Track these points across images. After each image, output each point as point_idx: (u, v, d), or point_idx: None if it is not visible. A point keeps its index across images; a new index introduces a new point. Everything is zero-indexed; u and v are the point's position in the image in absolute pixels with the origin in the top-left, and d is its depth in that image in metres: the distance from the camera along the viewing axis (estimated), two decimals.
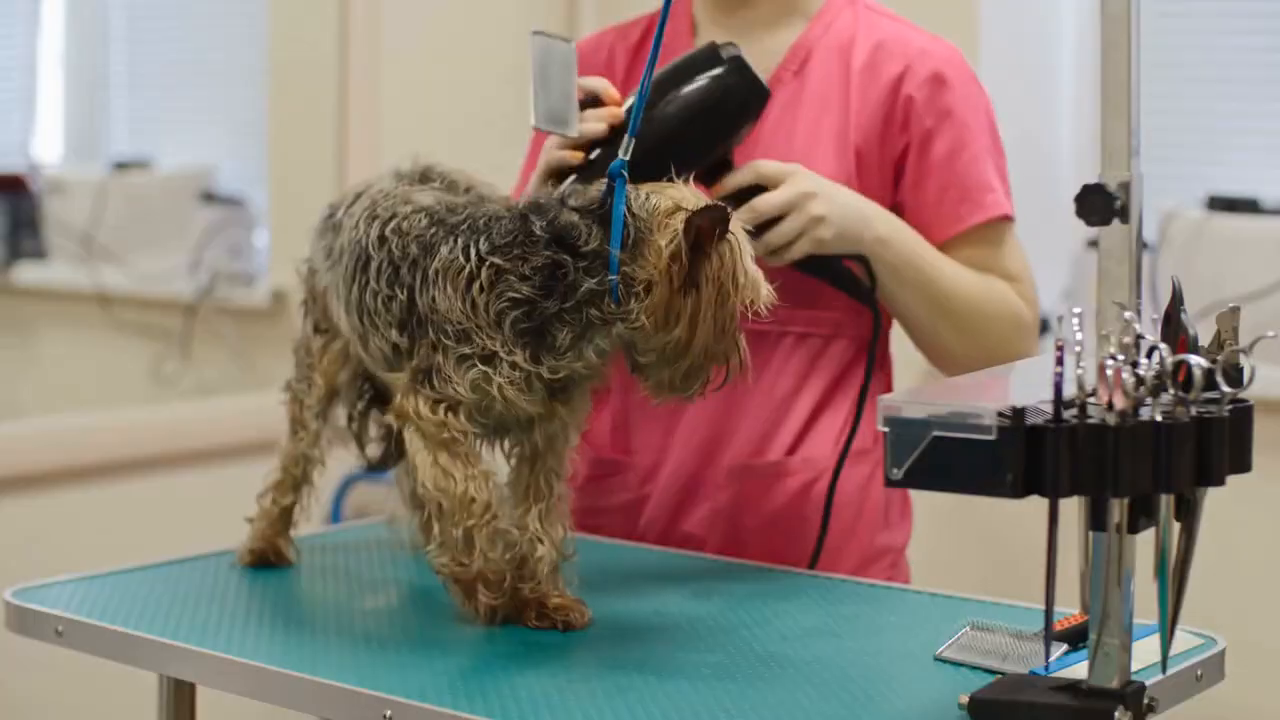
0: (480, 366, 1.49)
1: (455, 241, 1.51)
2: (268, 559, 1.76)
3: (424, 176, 1.67)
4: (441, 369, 1.50)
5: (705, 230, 1.44)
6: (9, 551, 2.77)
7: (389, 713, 1.35)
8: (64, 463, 2.98)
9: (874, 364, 1.84)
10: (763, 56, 1.83)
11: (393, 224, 1.57)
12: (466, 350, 1.49)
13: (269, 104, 3.66)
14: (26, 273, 4.22)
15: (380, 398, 1.75)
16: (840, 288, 1.80)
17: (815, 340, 1.86)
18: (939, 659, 1.43)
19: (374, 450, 1.79)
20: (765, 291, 1.48)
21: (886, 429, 1.20)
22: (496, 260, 1.49)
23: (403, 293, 1.54)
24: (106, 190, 4.06)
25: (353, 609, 1.63)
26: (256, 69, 3.74)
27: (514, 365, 1.49)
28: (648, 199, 1.47)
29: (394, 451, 1.74)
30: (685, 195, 1.48)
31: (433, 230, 1.54)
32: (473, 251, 1.50)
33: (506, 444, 1.59)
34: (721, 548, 1.86)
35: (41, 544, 2.85)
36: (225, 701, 1.54)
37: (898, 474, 1.20)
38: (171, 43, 4.24)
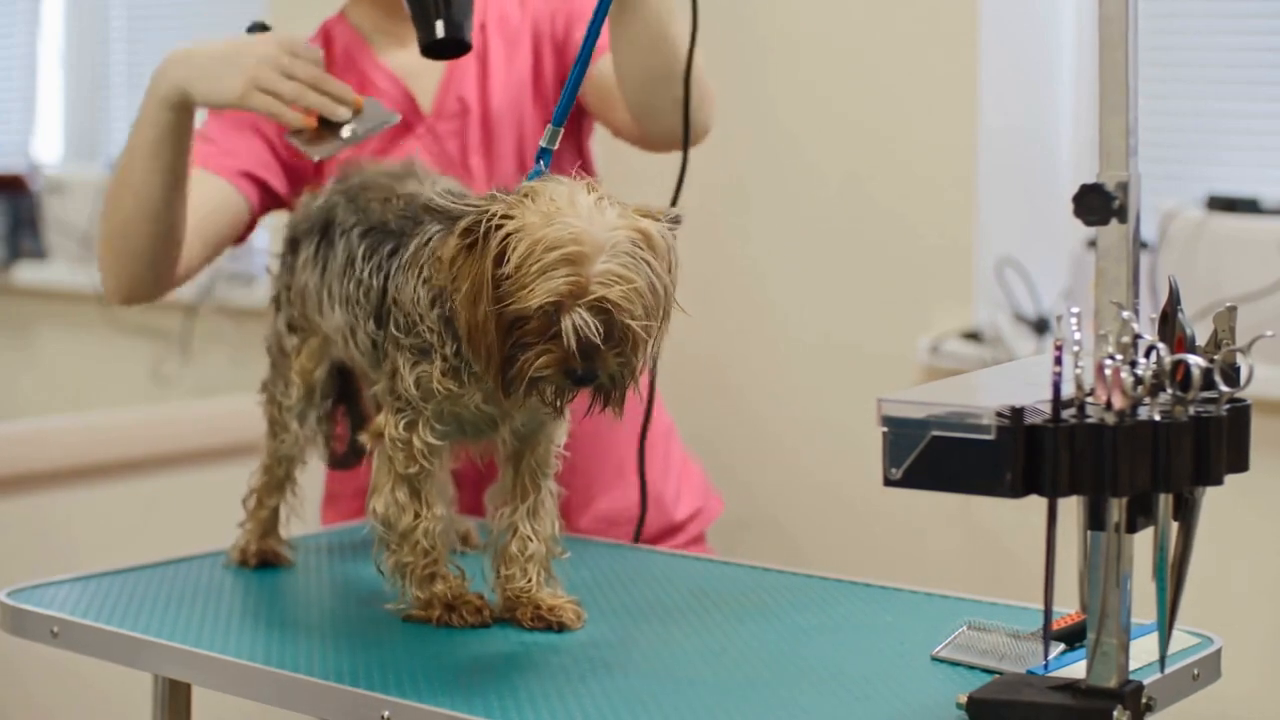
0: (422, 364, 1.49)
1: (424, 233, 1.50)
2: (265, 561, 1.76)
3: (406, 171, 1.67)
4: (398, 368, 1.51)
5: (467, 230, 1.40)
6: (7, 551, 2.77)
7: (388, 713, 1.35)
8: (64, 463, 2.98)
9: None
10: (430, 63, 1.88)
11: (377, 213, 1.57)
12: (411, 342, 1.49)
13: None
14: (26, 273, 4.23)
15: (347, 395, 1.76)
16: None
17: None
18: (936, 658, 1.43)
19: (338, 448, 1.79)
20: (537, 300, 1.36)
21: (885, 429, 1.20)
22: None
23: (379, 282, 1.54)
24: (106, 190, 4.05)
25: (350, 609, 1.63)
26: None
27: (444, 358, 1.48)
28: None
29: (357, 449, 1.75)
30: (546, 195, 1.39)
31: (412, 222, 1.53)
32: (431, 241, 1.49)
33: (481, 445, 1.58)
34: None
35: (40, 544, 2.85)
36: (221, 702, 1.54)
37: (896, 474, 1.20)
38: (171, 43, 4.21)
